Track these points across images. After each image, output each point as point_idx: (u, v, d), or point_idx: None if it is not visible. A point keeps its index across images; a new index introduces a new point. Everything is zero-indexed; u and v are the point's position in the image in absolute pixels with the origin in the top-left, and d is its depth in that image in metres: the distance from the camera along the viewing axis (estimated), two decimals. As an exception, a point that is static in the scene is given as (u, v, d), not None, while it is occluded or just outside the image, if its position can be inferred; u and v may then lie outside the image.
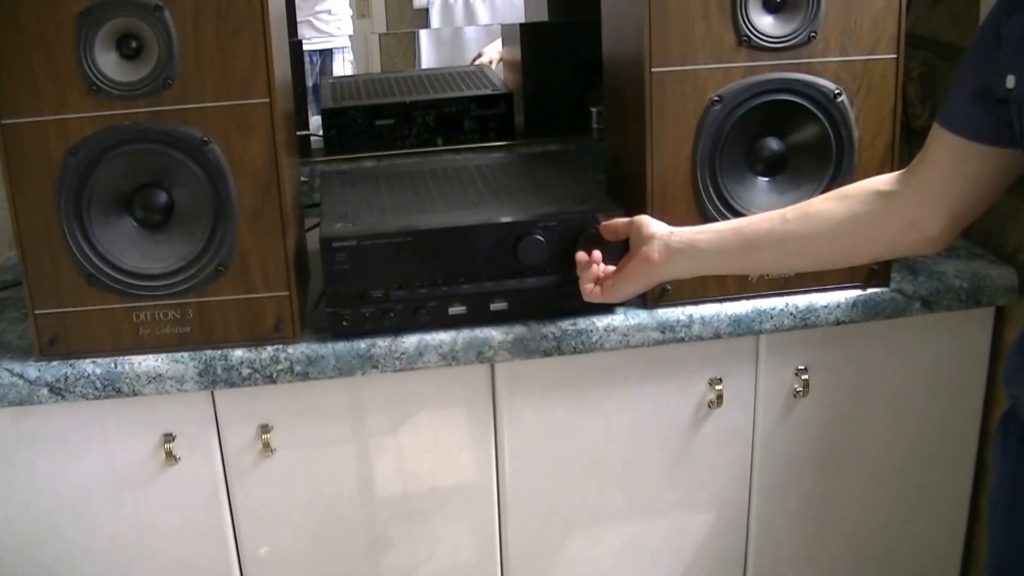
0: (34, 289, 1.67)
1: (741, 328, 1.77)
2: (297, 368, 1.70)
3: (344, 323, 1.70)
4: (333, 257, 1.67)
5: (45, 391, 1.67)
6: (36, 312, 1.68)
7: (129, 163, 1.63)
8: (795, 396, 1.86)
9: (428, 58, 2.77)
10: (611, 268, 1.68)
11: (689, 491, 1.91)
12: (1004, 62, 1.26)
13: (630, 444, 1.87)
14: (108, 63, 1.58)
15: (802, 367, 1.85)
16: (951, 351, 1.92)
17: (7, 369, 1.67)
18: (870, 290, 1.80)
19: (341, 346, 1.71)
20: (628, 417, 1.85)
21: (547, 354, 1.74)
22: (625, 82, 1.80)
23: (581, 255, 1.68)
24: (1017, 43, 1.24)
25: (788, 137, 1.75)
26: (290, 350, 1.70)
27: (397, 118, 2.28)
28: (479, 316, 1.73)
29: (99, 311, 1.68)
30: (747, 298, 1.78)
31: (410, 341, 1.71)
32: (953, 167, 1.41)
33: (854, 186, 1.53)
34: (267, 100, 1.62)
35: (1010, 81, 1.24)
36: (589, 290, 1.67)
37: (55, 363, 1.68)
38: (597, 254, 1.67)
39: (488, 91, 2.34)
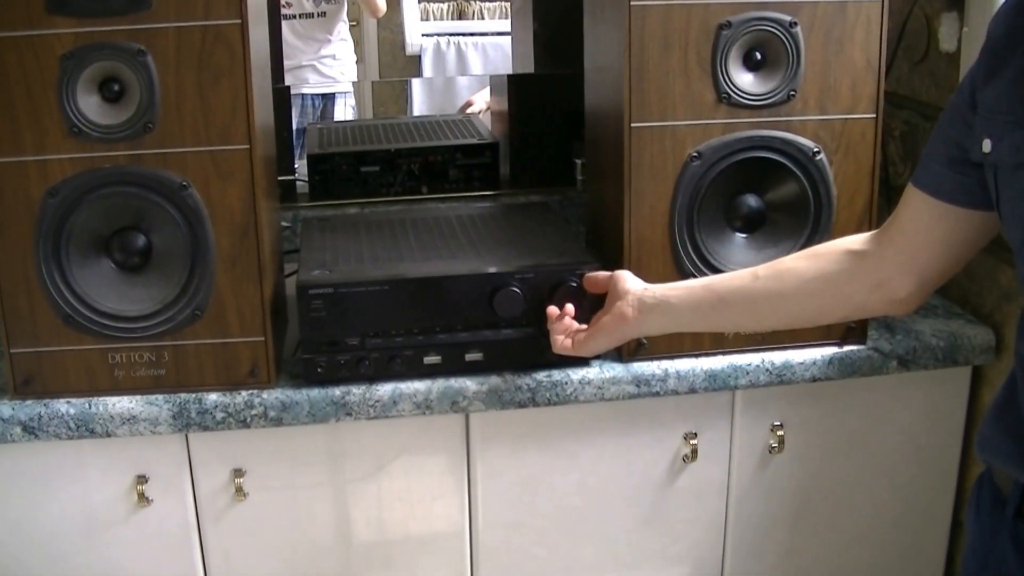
0: (10, 328, 1.66)
1: (717, 383, 1.76)
2: (271, 414, 1.69)
3: (319, 370, 1.70)
4: (309, 304, 1.67)
5: (18, 430, 1.66)
6: (12, 351, 1.67)
7: (108, 206, 1.63)
8: (770, 452, 1.85)
9: (420, 105, 2.79)
10: (582, 326, 1.68)
11: (663, 545, 1.90)
12: (980, 127, 1.26)
13: (604, 497, 1.86)
14: (90, 106, 1.59)
15: (778, 423, 1.84)
16: (928, 410, 1.91)
17: (-19, 408, 1.68)
18: (847, 348, 1.79)
19: (316, 393, 1.70)
20: (602, 469, 1.84)
21: (522, 405, 1.73)
22: (605, 137, 1.81)
23: (552, 309, 1.68)
24: (992, 109, 1.24)
25: (766, 194, 1.75)
26: (264, 395, 1.69)
27: (383, 165, 2.28)
28: (454, 366, 1.72)
29: (75, 352, 1.68)
30: (723, 353, 1.78)
31: (385, 389, 1.70)
32: (925, 229, 1.40)
33: (826, 245, 1.53)
34: (247, 147, 1.62)
35: (986, 145, 1.24)
36: (560, 342, 1.66)
37: (29, 402, 1.67)
38: (569, 308, 1.67)
39: (474, 140, 2.34)
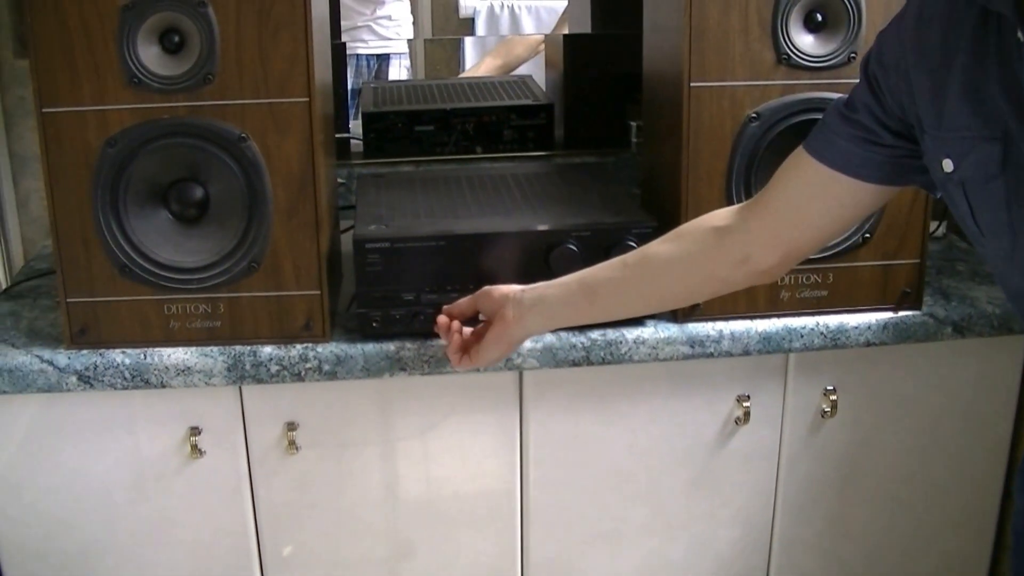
0: (67, 278, 1.67)
1: (770, 346, 1.75)
2: (325, 367, 1.70)
3: (374, 324, 1.70)
4: (365, 258, 1.67)
5: (74, 379, 1.67)
6: (68, 301, 1.68)
7: (166, 157, 1.63)
8: (823, 416, 1.84)
9: (472, 66, 2.78)
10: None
11: (713, 507, 1.89)
12: (935, 147, 1.23)
13: (655, 458, 1.85)
14: (150, 56, 1.59)
15: (831, 387, 1.83)
16: (981, 377, 1.89)
17: (37, 356, 1.68)
18: (901, 313, 1.78)
19: (370, 347, 1.70)
20: (654, 430, 1.83)
21: (576, 364, 1.73)
22: (663, 97, 1.79)
23: (442, 319, 1.65)
24: (948, 127, 1.21)
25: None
26: (319, 349, 1.70)
27: (437, 125, 2.28)
28: (508, 323, 1.73)
29: (130, 302, 1.68)
30: (778, 316, 1.76)
31: (439, 345, 1.69)
32: (810, 201, 1.39)
33: (690, 225, 1.52)
34: (306, 100, 1.62)
35: (947, 165, 1.22)
36: (456, 359, 1.64)
37: (85, 352, 1.68)
38: (456, 323, 1.64)
39: (529, 101, 2.33)
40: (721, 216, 1.49)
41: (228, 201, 1.66)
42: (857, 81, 1.34)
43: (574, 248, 1.69)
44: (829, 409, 1.83)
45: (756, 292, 1.75)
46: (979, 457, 1.95)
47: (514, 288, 1.61)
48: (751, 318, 1.76)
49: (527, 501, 1.86)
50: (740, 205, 1.48)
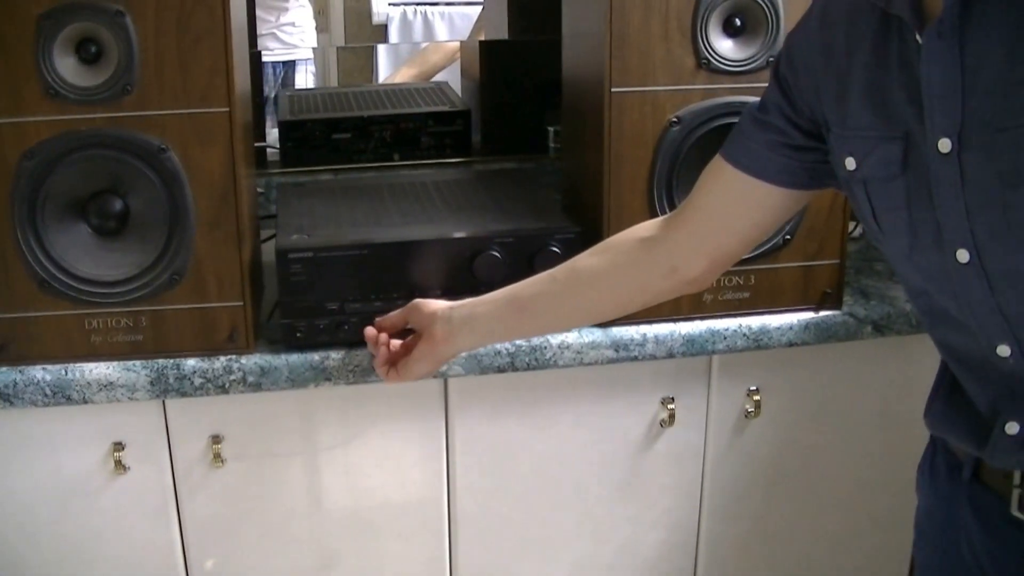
0: (-16, 295, 1.66)
1: (694, 348, 1.78)
2: (250, 379, 1.69)
3: (298, 335, 1.69)
4: (289, 268, 1.67)
5: (-7, 397, 1.66)
6: (-14, 318, 1.67)
7: (85, 169, 1.62)
8: (746, 416, 1.87)
9: (385, 74, 2.78)
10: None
11: (639, 510, 1.91)
12: (839, 145, 1.27)
13: (581, 462, 1.87)
14: (67, 67, 1.57)
15: (754, 388, 1.86)
16: (898, 376, 1.93)
17: (-45, 374, 1.66)
18: (823, 313, 1.82)
19: (295, 358, 1.70)
20: (580, 435, 1.85)
21: (501, 370, 1.74)
22: (584, 102, 1.81)
23: (370, 331, 1.65)
24: (851, 127, 1.24)
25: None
26: (243, 361, 1.69)
27: (354, 132, 2.28)
28: (434, 331, 1.73)
29: (51, 317, 1.66)
30: (701, 318, 1.79)
31: (364, 354, 1.69)
32: (731, 207, 1.41)
33: (617, 237, 1.53)
34: (226, 110, 1.61)
35: (850, 163, 1.25)
36: (385, 372, 1.64)
37: (3, 369, 1.66)
38: (384, 336, 1.64)
39: (446, 108, 2.34)
40: (647, 228, 1.50)
41: (149, 213, 1.65)
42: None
43: (497, 255, 1.70)
44: (753, 410, 1.86)
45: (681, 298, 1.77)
46: (898, 453, 1.97)
47: (443, 305, 1.61)
48: (675, 320, 1.78)
49: (455, 509, 1.87)
50: (666, 216, 1.50)
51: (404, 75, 2.72)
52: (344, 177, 2.24)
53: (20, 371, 1.66)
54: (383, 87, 2.57)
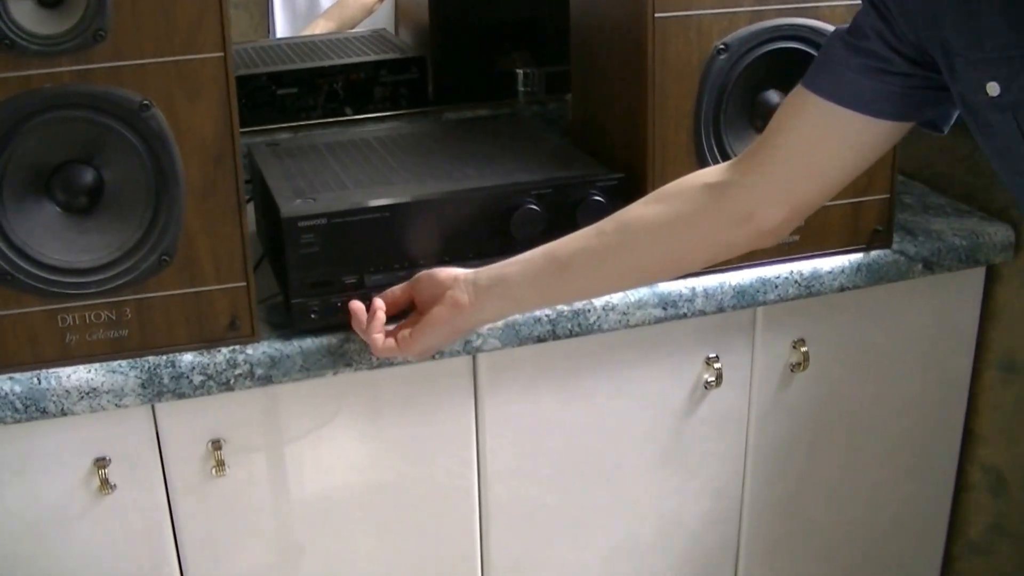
0: (-69, 293, 1.34)
1: (745, 300, 1.56)
2: (258, 372, 1.40)
3: (312, 316, 1.42)
4: (299, 239, 1.38)
5: (-50, 416, 1.34)
6: (-66, 320, 1.35)
7: (49, 136, 1.30)
8: (792, 371, 1.67)
9: (283, 33, 2.47)
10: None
11: (682, 481, 1.69)
12: (977, 70, 1.06)
13: (620, 434, 1.63)
14: (23, 12, 1.24)
15: (799, 339, 1.67)
16: (945, 314, 1.76)
17: (-101, 392, 1.34)
18: (873, 253, 1.62)
19: (309, 343, 1.42)
20: (619, 405, 1.61)
21: (541, 340, 1.49)
22: (612, 34, 1.56)
23: (356, 304, 1.40)
24: (992, 47, 1.05)
25: (789, 90, 1.55)
26: (249, 351, 1.40)
27: (301, 87, 1.98)
28: (465, 300, 1.48)
29: (14, 316, 1.34)
30: (749, 266, 1.57)
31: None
32: (816, 145, 1.20)
33: (675, 184, 1.29)
34: (220, 55, 1.31)
35: (992, 88, 1.05)
36: (380, 343, 1.37)
37: (-39, 382, 1.36)
38: (379, 301, 1.39)
39: (398, 55, 2.06)
40: (712, 173, 1.27)
41: (128, 184, 1.34)
42: (856, 5, 1.15)
43: (536, 208, 1.45)
44: (800, 362, 1.66)
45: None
46: (942, 396, 1.81)
47: (462, 270, 1.35)
48: (723, 271, 1.56)
49: (485, 496, 1.61)
50: (733, 160, 1.26)
51: (320, 28, 2.43)
52: (305, 135, 1.94)
53: (-18, 383, 1.36)
54: (318, 38, 2.25)
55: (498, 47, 2.08)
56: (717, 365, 1.61)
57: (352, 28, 2.41)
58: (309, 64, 2.00)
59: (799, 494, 1.78)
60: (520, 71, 2.03)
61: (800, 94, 1.20)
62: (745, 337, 1.64)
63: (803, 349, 1.65)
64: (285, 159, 1.62)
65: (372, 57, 2.03)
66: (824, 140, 1.19)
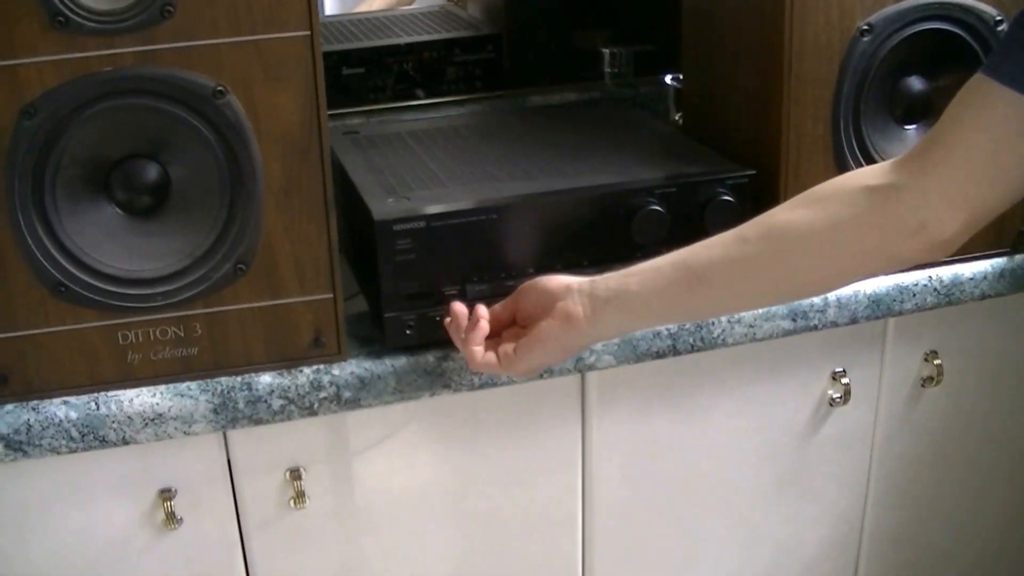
0: (-25, 308, 1.12)
1: (879, 310, 1.34)
2: (346, 395, 1.19)
3: (407, 331, 1.20)
4: (394, 245, 1.16)
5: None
6: (-22, 339, 1.13)
7: (109, 126, 1.08)
8: (923, 386, 1.45)
9: (331, 10, 2.23)
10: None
11: (801, 506, 1.47)
12: None
13: (737, 457, 1.41)
14: (80, -16, 1.04)
15: (933, 351, 1.45)
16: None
17: (-61, 420, 1.12)
18: (1018, 257, 1.39)
19: (403, 362, 1.20)
20: (737, 424, 1.39)
21: (660, 356, 1.27)
22: (737, 12, 1.33)
23: (458, 305, 1.18)
24: None
25: (935, 76, 1.33)
26: (335, 371, 1.18)
27: (369, 67, 1.74)
28: (577, 313, 1.25)
29: (69, 332, 1.12)
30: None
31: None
32: (1004, 140, 0.97)
33: (831, 184, 1.05)
34: (307, 33, 1.09)
35: None
36: (479, 357, 1.14)
37: (10, 407, 1.12)
38: (483, 309, 1.16)
39: (471, 32, 1.83)
40: (873, 174, 1.02)
41: (198, 182, 1.12)
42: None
43: (660, 209, 1.23)
44: (933, 376, 1.43)
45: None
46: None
47: (576, 278, 1.13)
48: (856, 279, 1.35)
49: (589, 527, 1.39)
50: (897, 159, 1.01)
51: (379, 5, 2.19)
52: (379, 120, 1.71)
53: (34, 408, 1.12)
54: (379, 14, 2.01)
55: (577, 24, 1.85)
56: (844, 380, 1.39)
57: (408, 5, 2.17)
58: (377, 42, 1.75)
59: (924, 521, 1.56)
60: (606, 51, 1.79)
61: (981, 84, 0.97)
62: (874, 350, 1.41)
63: (936, 362, 1.42)
64: (367, 150, 1.39)
65: (444, 35, 1.79)
66: (1011, 137, 0.96)
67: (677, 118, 1.62)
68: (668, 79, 1.67)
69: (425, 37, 1.78)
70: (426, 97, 1.77)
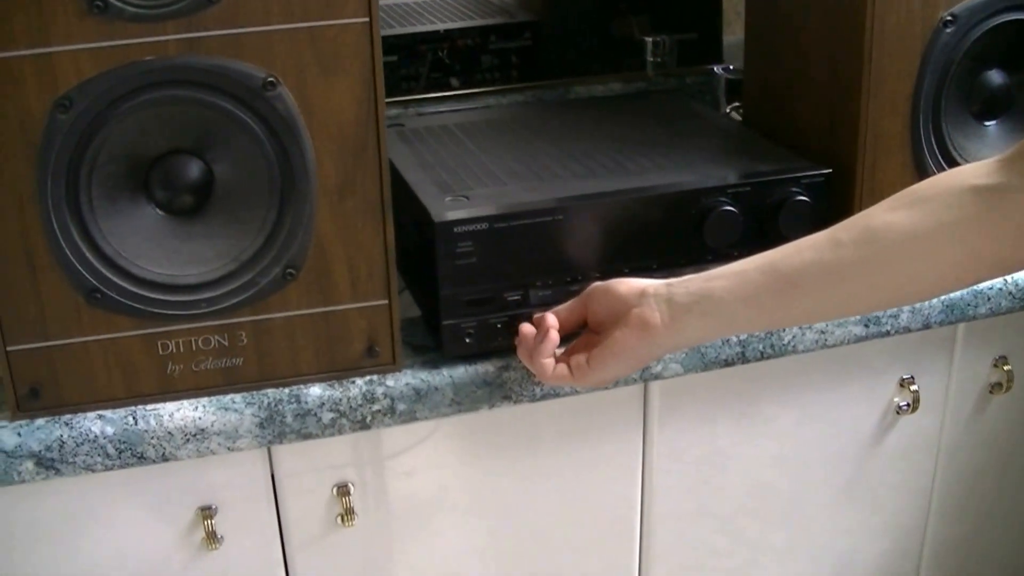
0: (5, 317, 0.98)
1: (953, 315, 1.23)
2: (400, 407, 1.07)
3: (467, 340, 1.09)
4: (455, 247, 1.05)
5: (30, 464, 0.99)
6: (9, 349, 0.99)
7: (150, 120, 0.96)
8: (991, 392, 1.35)
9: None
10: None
11: (863, 517, 1.36)
12: None
13: (802, 468, 1.30)
14: (120, -35, 0.93)
15: (1003, 356, 1.34)
16: None
17: (-33, 436, 1.00)
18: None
19: (461, 372, 1.08)
20: (803, 434, 1.28)
21: (728, 363, 1.16)
22: (808, 3, 1.21)
23: (527, 327, 1.06)
24: None
25: (1017, 69, 1.22)
26: (390, 382, 1.07)
27: (402, 54, 1.62)
28: (643, 319, 1.14)
29: (105, 342, 1.01)
30: (959, 276, 1.25)
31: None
32: None
33: (929, 185, 0.93)
34: (365, 20, 0.97)
35: None
36: (550, 369, 1.03)
37: (42, 422, 1.01)
38: (552, 318, 1.04)
39: (506, 19, 1.71)
40: (978, 173, 0.90)
41: (245, 180, 1.00)
42: None
43: (733, 210, 1.12)
44: (1002, 382, 1.33)
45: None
46: None
47: (651, 281, 1.01)
48: (930, 282, 1.24)
49: (647, 538, 1.28)
50: (1002, 157, 0.90)
51: None
52: (415, 111, 1.58)
53: (67, 424, 1.01)
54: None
55: (613, 10, 1.73)
56: (913, 387, 1.29)
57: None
58: (410, 29, 1.63)
59: (986, 531, 1.45)
60: (649, 39, 1.67)
61: None
62: (943, 355, 1.30)
63: (1006, 368, 1.32)
64: (415, 143, 1.27)
65: (480, 21, 1.67)
66: None
67: (728, 110, 1.51)
68: (717, 69, 1.56)
69: (460, 24, 1.66)
70: (461, 87, 1.65)
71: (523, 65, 1.68)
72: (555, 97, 1.63)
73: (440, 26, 1.64)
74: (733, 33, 1.71)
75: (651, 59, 1.66)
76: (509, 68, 1.67)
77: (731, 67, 1.50)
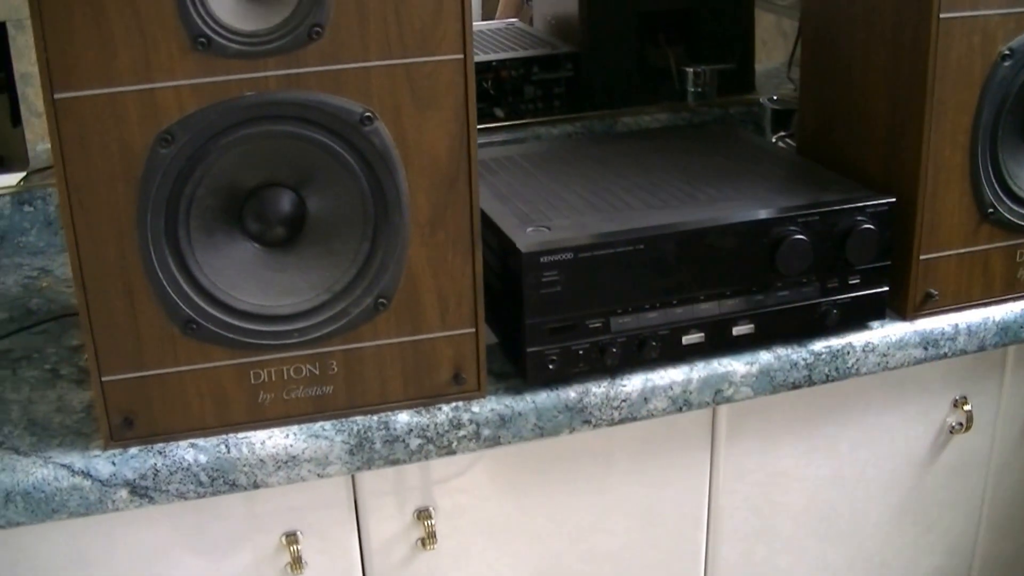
0: (101, 346, 0.96)
1: (1007, 336, 1.22)
2: (485, 432, 1.05)
3: (551, 366, 1.07)
4: (540, 276, 1.03)
5: (124, 493, 0.97)
6: (104, 379, 0.97)
7: (248, 154, 0.94)
8: (1041, 412, 1.35)
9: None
10: None
11: (917, 535, 1.35)
12: None
13: (860, 487, 1.29)
14: (224, 5, 0.89)
15: (1051, 377, 1.33)
16: None
17: (64, 465, 0.96)
18: None
19: (544, 397, 1.06)
20: (861, 454, 1.27)
21: (795, 386, 1.14)
22: (871, 33, 1.19)
23: None
24: None
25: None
26: (475, 408, 1.05)
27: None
28: (717, 344, 1.10)
29: (198, 372, 0.98)
30: (1015, 299, 1.23)
31: (633, 384, 1.07)
32: None
33: None
34: (460, 57, 0.96)
35: None
36: None
37: (135, 451, 0.98)
38: None
39: (548, 51, 1.70)
40: None
41: (339, 212, 0.98)
42: None
43: (804, 239, 1.10)
44: (1050, 403, 1.33)
45: (993, 271, 1.20)
46: None
47: None
48: (985, 304, 1.22)
49: (713, 559, 1.26)
50: None
51: (501, 10, 1.99)
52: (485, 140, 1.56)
53: (160, 452, 0.98)
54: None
55: (650, 41, 1.71)
56: (967, 407, 1.28)
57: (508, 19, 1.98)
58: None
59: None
60: (689, 70, 1.66)
61: None
62: (994, 376, 1.30)
63: (1056, 389, 1.32)
64: (485, 175, 1.25)
65: (524, 53, 1.65)
66: None
67: (775, 139, 1.50)
68: (763, 100, 1.55)
69: (503, 55, 1.64)
70: (506, 117, 1.63)
71: (565, 95, 1.66)
72: (603, 128, 1.62)
73: (484, 57, 1.63)
74: (759, 62, 1.70)
75: (692, 89, 1.65)
76: (551, 99, 1.66)
77: (774, 97, 1.49)
